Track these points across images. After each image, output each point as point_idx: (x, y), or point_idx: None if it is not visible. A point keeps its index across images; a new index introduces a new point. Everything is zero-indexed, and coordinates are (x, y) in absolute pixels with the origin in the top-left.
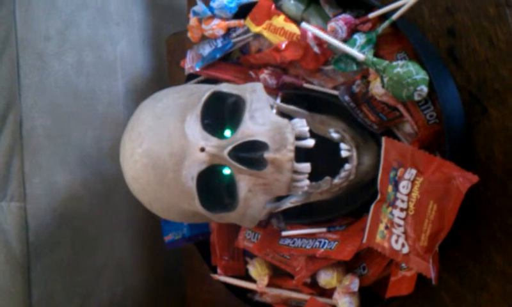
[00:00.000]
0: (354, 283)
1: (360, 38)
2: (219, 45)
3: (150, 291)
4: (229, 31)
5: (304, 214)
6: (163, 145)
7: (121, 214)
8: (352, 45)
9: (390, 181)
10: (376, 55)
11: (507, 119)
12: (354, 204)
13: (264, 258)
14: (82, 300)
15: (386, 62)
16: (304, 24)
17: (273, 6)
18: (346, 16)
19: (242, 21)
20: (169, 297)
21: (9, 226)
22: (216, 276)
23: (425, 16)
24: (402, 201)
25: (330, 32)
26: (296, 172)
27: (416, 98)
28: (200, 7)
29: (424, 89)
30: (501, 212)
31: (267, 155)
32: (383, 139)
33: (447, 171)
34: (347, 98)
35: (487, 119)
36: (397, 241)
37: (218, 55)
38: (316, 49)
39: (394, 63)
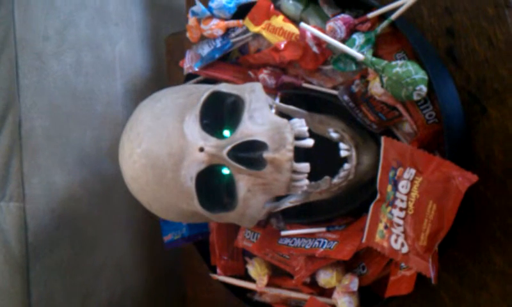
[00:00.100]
0: (353, 283)
1: (358, 38)
2: (218, 45)
3: (149, 291)
4: (228, 31)
5: (303, 214)
6: (162, 145)
7: (121, 214)
8: (351, 44)
9: (390, 181)
10: (375, 55)
11: (507, 118)
12: (353, 203)
13: (263, 258)
14: (81, 300)
15: (385, 62)
16: (303, 24)
17: (272, 6)
18: (345, 16)
19: (241, 21)
20: (168, 297)
21: (8, 226)
22: (215, 276)
23: (424, 16)
24: (402, 200)
25: (329, 32)
26: (295, 172)
27: (416, 97)
28: (198, 7)
29: (423, 88)
30: (500, 211)
31: (266, 154)
32: (382, 138)
33: (446, 171)
34: (346, 97)
35: (486, 118)
36: (396, 240)
37: (217, 55)
38: (315, 49)
39: (393, 63)
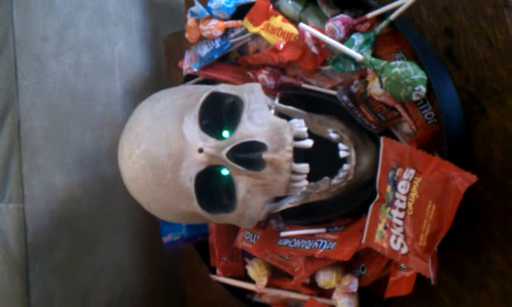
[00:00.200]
0: (353, 283)
1: (357, 38)
2: (217, 45)
3: (148, 292)
4: (227, 31)
5: (303, 215)
6: (161, 146)
7: (120, 215)
8: (350, 45)
9: (389, 182)
10: (374, 55)
11: (506, 118)
12: (352, 204)
13: (262, 259)
14: (81, 300)
15: (384, 62)
16: (302, 24)
17: (271, 7)
18: (344, 16)
19: (240, 21)
20: (167, 298)
21: (8, 227)
22: (215, 277)
23: (423, 16)
24: (401, 201)
25: (328, 32)
26: (294, 172)
27: (415, 98)
28: (197, 7)
29: (422, 89)
30: (500, 211)
31: (266, 155)
32: (382, 139)
33: (446, 171)
34: (345, 98)
35: (485, 118)
36: (395, 241)
37: (216, 56)
38: (314, 49)
39: (392, 63)
